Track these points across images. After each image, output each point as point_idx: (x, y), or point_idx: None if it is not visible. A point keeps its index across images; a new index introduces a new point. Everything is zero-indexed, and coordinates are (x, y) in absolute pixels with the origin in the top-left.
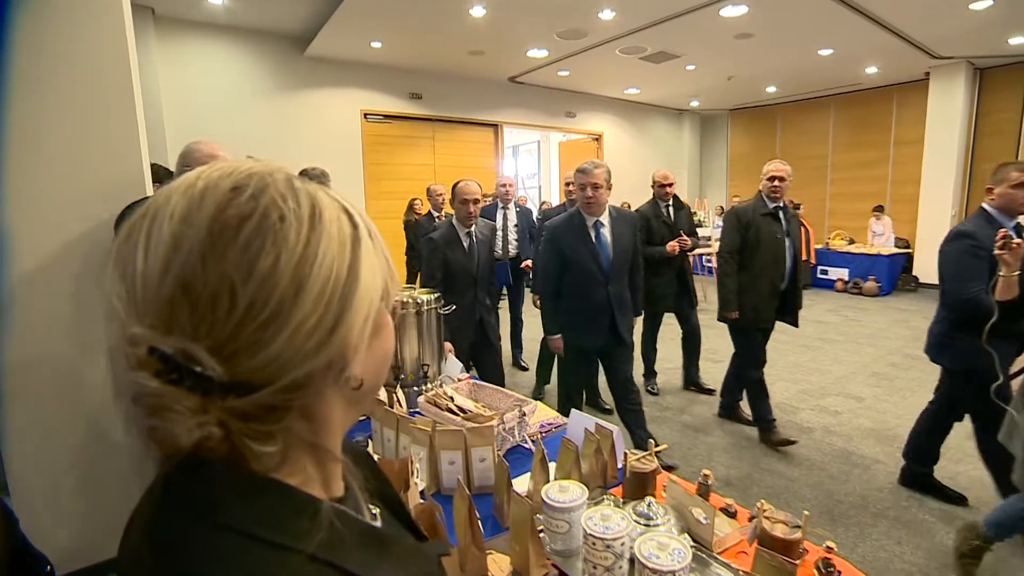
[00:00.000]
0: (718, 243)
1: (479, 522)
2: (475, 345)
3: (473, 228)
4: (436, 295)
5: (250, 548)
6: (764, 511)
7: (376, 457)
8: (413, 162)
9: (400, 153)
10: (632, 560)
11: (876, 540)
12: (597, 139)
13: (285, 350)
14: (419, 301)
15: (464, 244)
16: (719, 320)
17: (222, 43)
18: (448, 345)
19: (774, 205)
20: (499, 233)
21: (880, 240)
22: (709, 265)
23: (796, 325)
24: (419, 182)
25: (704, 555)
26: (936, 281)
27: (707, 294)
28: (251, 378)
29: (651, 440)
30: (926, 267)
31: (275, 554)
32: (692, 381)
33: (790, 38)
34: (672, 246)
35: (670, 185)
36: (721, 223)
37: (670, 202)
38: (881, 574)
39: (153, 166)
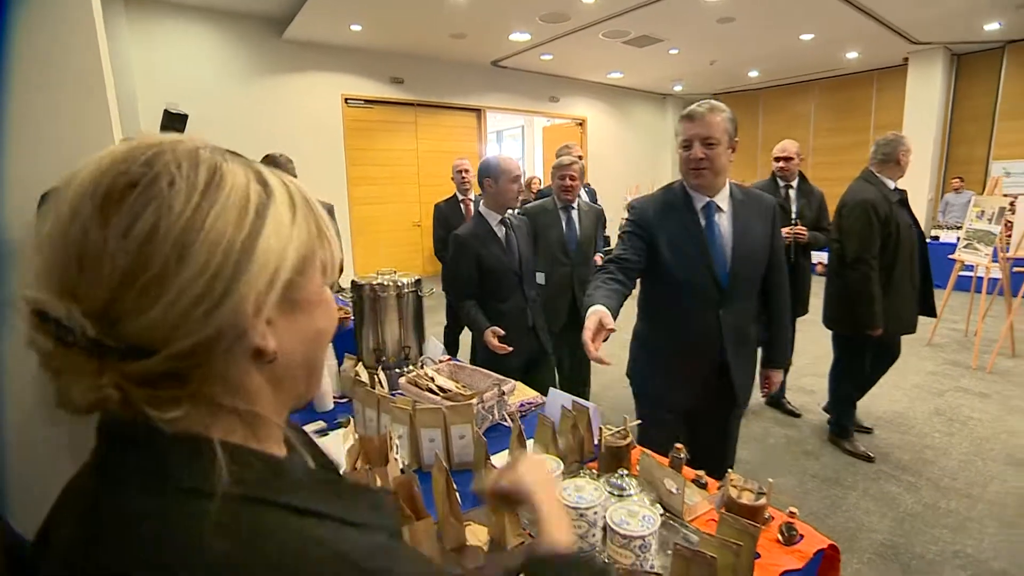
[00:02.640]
0: (836, 244)
1: (456, 493)
2: (531, 359)
3: (508, 216)
4: (415, 279)
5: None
6: (732, 480)
7: (358, 435)
8: (395, 147)
9: (382, 138)
10: (604, 528)
11: (846, 511)
12: (581, 124)
13: (168, 316)
14: (399, 284)
15: (500, 236)
16: (827, 326)
17: (197, 25)
18: (497, 343)
19: (895, 188)
20: None
21: None
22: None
23: (935, 315)
24: (402, 167)
25: (674, 522)
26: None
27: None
28: (139, 343)
29: (625, 416)
30: None
31: (196, 503)
32: (775, 401)
33: (772, 22)
34: (785, 234)
35: (788, 159)
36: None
37: (792, 182)
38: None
39: None
